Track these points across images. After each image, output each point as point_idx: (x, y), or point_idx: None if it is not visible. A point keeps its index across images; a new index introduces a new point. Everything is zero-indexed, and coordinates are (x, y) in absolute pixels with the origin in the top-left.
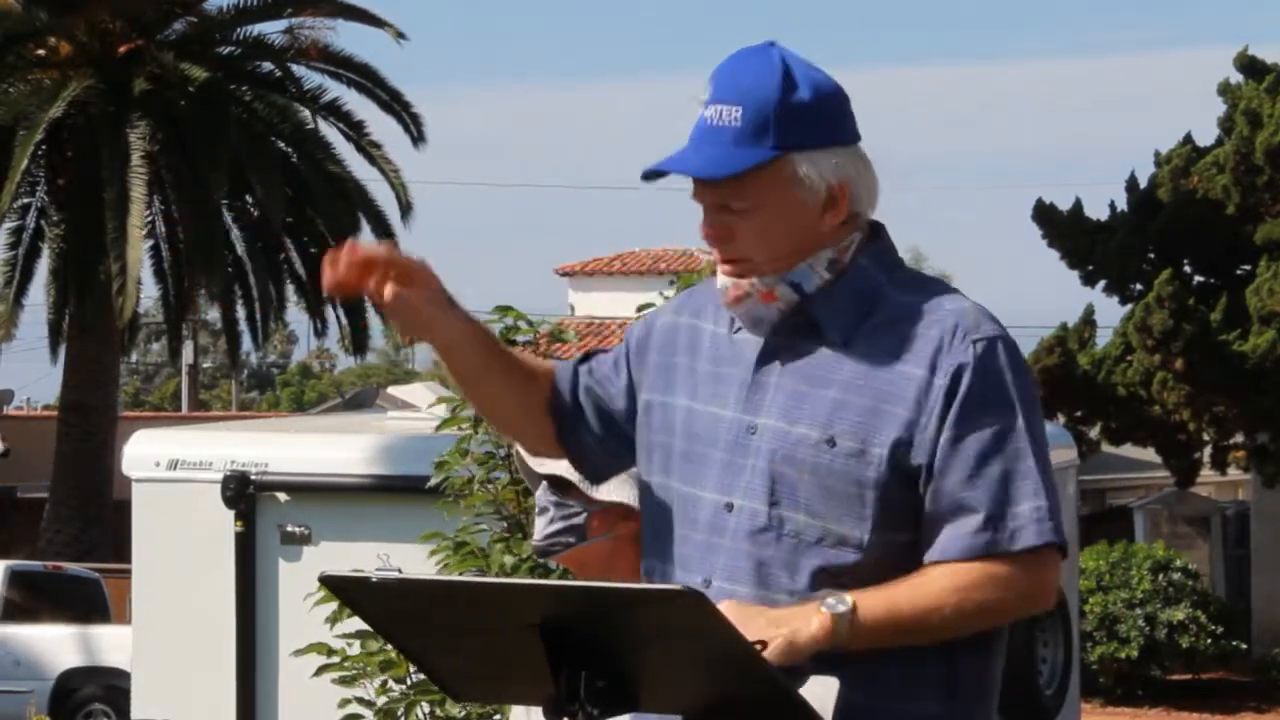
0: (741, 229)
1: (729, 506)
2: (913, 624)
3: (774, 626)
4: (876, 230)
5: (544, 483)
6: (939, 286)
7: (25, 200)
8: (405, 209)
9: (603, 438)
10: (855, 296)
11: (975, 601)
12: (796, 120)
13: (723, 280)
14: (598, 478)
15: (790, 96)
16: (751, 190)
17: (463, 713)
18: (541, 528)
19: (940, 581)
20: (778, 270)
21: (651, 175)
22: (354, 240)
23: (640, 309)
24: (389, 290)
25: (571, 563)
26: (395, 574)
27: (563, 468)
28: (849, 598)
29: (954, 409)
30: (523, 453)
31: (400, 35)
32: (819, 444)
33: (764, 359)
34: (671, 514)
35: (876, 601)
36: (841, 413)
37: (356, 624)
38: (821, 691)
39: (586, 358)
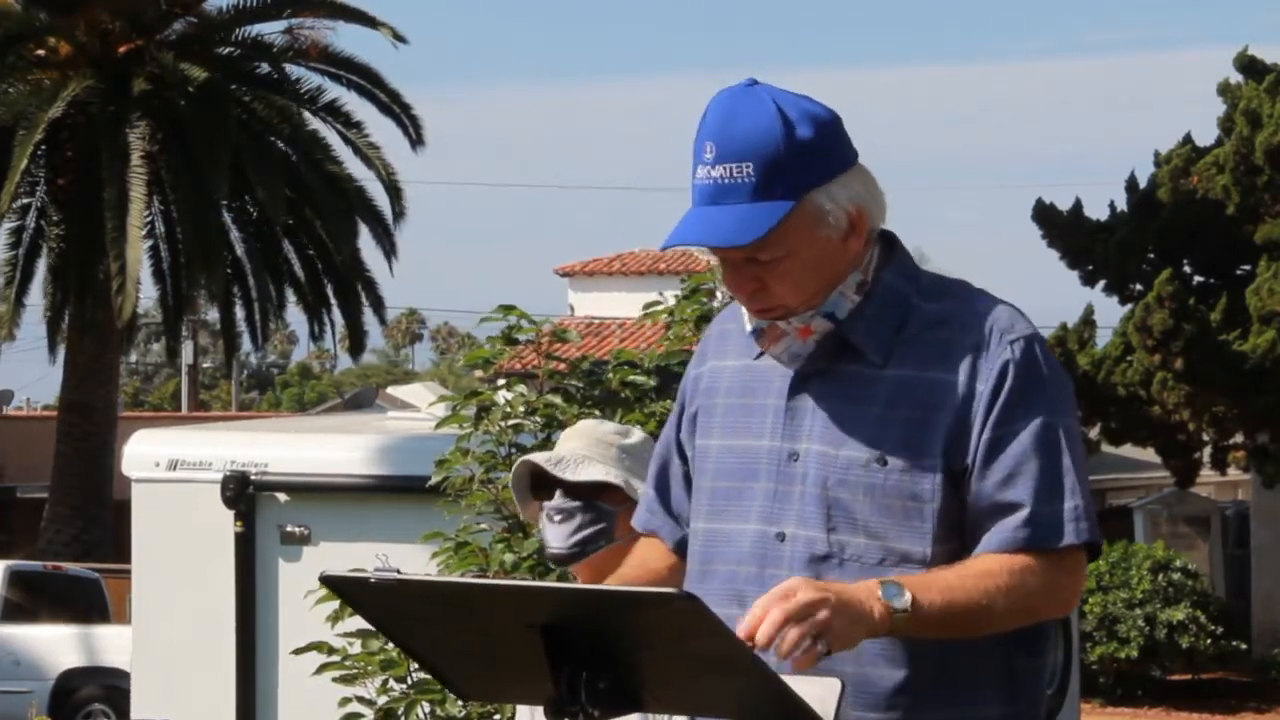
0: (773, 279)
1: (780, 536)
2: (964, 619)
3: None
4: (890, 241)
5: (560, 490)
6: (964, 289)
7: (25, 200)
8: (398, 214)
9: None
10: (886, 314)
11: (1019, 596)
12: (806, 161)
13: (755, 323)
14: (586, 490)
15: (794, 139)
16: (778, 240)
17: (463, 712)
18: (565, 535)
19: (989, 575)
20: (812, 306)
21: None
22: None
23: (646, 308)
24: None
25: (590, 569)
26: (394, 574)
27: (599, 473)
28: (908, 593)
29: (995, 409)
30: (540, 463)
31: (398, 38)
32: (869, 464)
33: (797, 385)
34: (714, 556)
35: (935, 597)
36: (888, 430)
37: (357, 623)
38: (823, 693)
39: (661, 480)
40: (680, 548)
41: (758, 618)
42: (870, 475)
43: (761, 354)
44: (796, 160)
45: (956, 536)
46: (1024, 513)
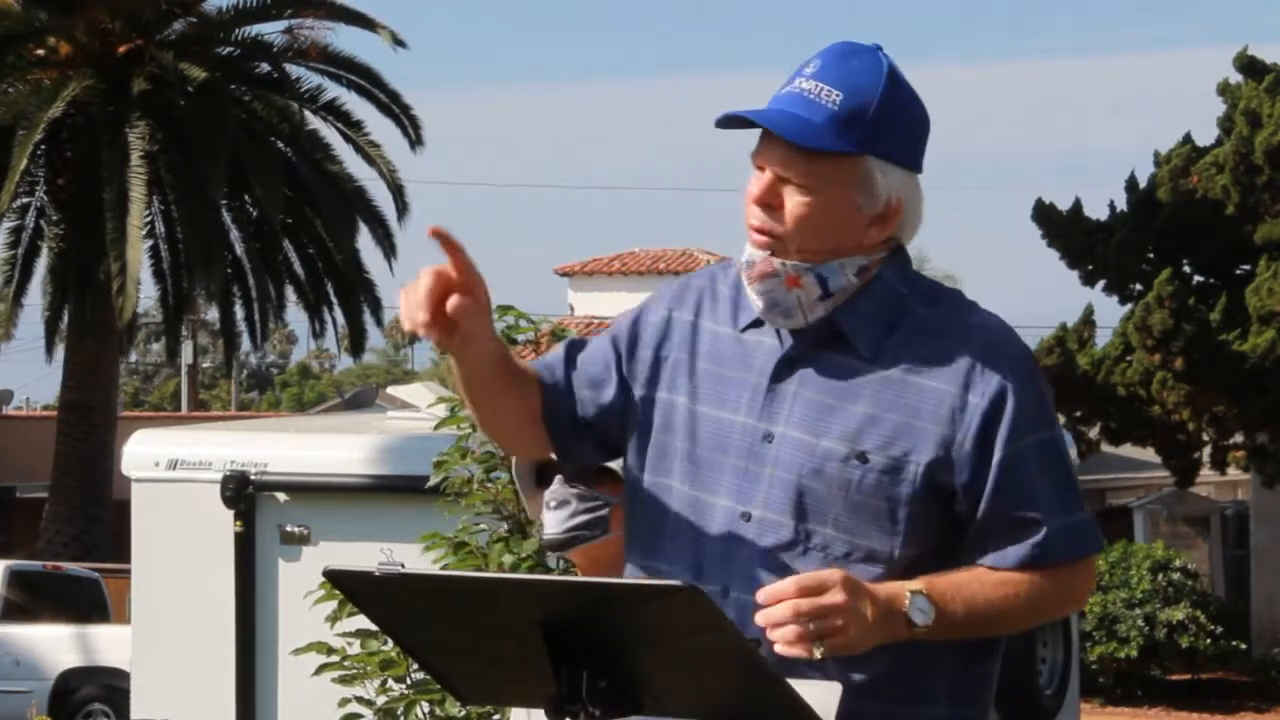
0: (791, 205)
1: (746, 516)
2: (979, 627)
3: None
4: (898, 249)
5: (559, 476)
6: (959, 300)
7: (25, 200)
8: (401, 210)
9: (594, 440)
10: (880, 308)
11: (1034, 604)
12: (887, 128)
13: (751, 253)
14: (584, 477)
15: (890, 104)
16: (819, 172)
17: (462, 713)
18: (560, 520)
19: (1009, 583)
20: (807, 260)
21: (732, 121)
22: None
23: None
24: (455, 301)
25: (585, 559)
26: (398, 568)
27: None
28: (933, 610)
29: (1003, 428)
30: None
31: (398, 42)
32: (848, 459)
33: (783, 367)
34: (670, 515)
35: (958, 608)
36: (872, 428)
37: (356, 623)
38: (823, 696)
39: (570, 355)
40: (548, 397)
41: (775, 596)
42: (848, 471)
43: (748, 328)
44: (879, 121)
45: (929, 540)
46: (1043, 531)
